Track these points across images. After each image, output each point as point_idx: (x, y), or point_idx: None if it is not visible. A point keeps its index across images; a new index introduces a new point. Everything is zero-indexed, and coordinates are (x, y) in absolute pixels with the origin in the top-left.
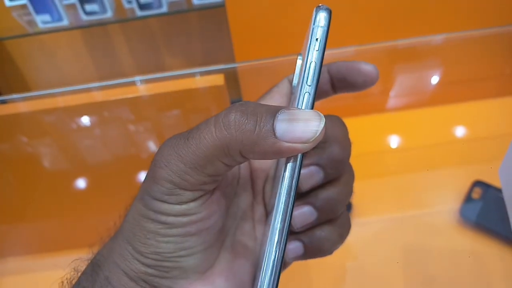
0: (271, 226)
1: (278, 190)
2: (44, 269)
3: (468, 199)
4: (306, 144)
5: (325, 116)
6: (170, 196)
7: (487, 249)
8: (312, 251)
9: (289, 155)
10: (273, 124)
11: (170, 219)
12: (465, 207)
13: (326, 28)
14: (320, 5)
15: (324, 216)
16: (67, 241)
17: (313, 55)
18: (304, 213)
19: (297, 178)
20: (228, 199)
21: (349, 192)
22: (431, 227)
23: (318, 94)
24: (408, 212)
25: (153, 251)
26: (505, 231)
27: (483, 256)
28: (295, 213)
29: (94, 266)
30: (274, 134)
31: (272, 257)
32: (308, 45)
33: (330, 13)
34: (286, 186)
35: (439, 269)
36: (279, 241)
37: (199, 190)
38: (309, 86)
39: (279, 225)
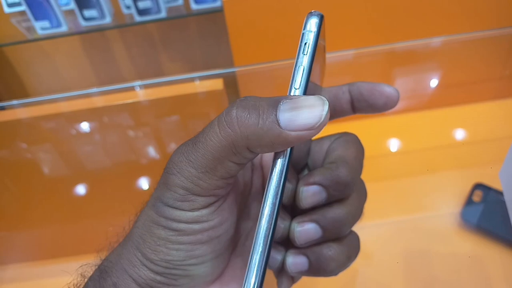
0: (257, 226)
1: (266, 188)
2: (44, 276)
3: (469, 202)
4: (312, 130)
5: (342, 133)
6: (183, 203)
7: (488, 252)
8: (317, 269)
9: (298, 143)
10: (276, 115)
11: (182, 225)
12: (466, 210)
13: (316, 33)
14: (312, 11)
15: (330, 235)
16: (66, 247)
17: (302, 59)
18: (309, 230)
19: (285, 176)
20: (240, 207)
21: (358, 213)
22: (432, 230)
23: (338, 112)
24: (409, 215)
25: (163, 258)
26: (507, 233)
27: (485, 259)
28: (299, 229)
29: (101, 272)
30: (279, 125)
31: (258, 257)
32: (298, 49)
33: (321, 19)
34: (274, 185)
35: (440, 272)
36: (264, 243)
37: (212, 196)
38: (297, 89)
39: (265, 225)
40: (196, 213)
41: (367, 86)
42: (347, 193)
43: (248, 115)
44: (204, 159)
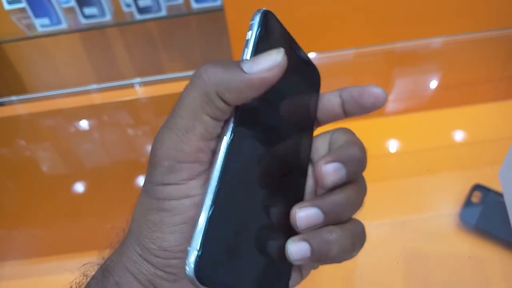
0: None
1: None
2: (43, 274)
3: (468, 203)
4: (274, 70)
5: (338, 128)
6: (171, 175)
7: (487, 253)
8: (320, 255)
9: (263, 87)
10: (239, 65)
11: (173, 203)
12: (465, 211)
13: (256, 28)
14: (260, 8)
15: (331, 220)
16: (66, 244)
17: (245, 53)
18: (310, 214)
19: (227, 152)
20: None
21: (358, 201)
22: (431, 231)
23: (330, 117)
24: (408, 216)
25: (160, 246)
26: (505, 234)
27: (483, 260)
28: (301, 213)
29: (104, 271)
30: (242, 70)
31: (202, 226)
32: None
33: (265, 15)
34: (221, 156)
35: (439, 273)
36: (208, 207)
37: (197, 162)
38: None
39: (211, 195)
40: (184, 186)
41: (357, 88)
42: (359, 172)
43: (215, 67)
44: (181, 118)
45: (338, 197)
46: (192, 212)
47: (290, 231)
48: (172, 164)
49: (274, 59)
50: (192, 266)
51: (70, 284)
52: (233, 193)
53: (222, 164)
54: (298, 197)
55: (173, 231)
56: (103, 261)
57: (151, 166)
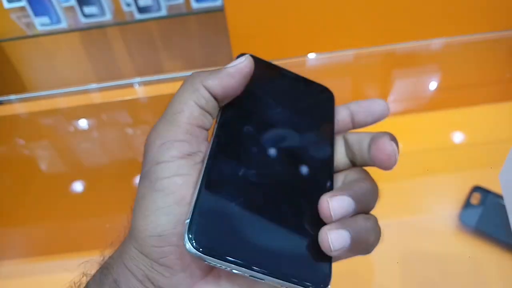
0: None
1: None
2: (40, 273)
3: (467, 204)
4: (243, 63)
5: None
6: (162, 153)
7: (486, 254)
8: (359, 242)
9: (242, 75)
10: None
11: (165, 182)
12: (464, 212)
13: None
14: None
15: (362, 208)
16: (63, 244)
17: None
18: (343, 200)
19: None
20: None
21: (376, 191)
22: (430, 233)
23: (340, 126)
24: (407, 217)
25: (154, 231)
26: (505, 236)
27: (483, 262)
28: (334, 203)
29: (103, 270)
30: (224, 68)
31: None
32: None
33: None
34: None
35: (438, 275)
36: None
37: (185, 142)
38: None
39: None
40: (175, 164)
41: (362, 102)
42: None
43: (203, 72)
44: (172, 106)
45: (364, 185)
46: (184, 191)
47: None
48: (163, 142)
49: (243, 58)
50: (188, 237)
51: (69, 284)
52: (225, 167)
53: (214, 138)
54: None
55: (166, 212)
56: (103, 260)
57: (146, 152)
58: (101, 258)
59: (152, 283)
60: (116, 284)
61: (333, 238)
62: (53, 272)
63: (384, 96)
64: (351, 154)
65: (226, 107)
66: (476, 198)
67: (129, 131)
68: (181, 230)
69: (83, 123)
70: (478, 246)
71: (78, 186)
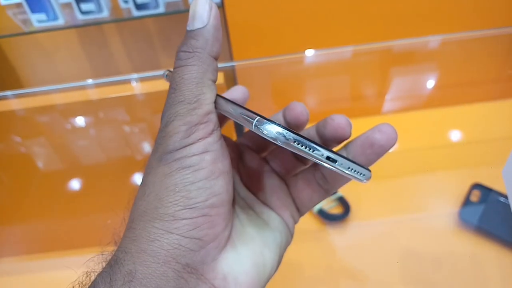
0: None
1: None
2: (40, 270)
3: (467, 202)
4: (213, 9)
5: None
6: (189, 138)
7: (486, 252)
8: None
9: (215, 32)
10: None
11: (195, 158)
12: (464, 210)
13: None
14: None
15: None
16: (61, 241)
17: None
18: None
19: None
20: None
21: None
22: (430, 230)
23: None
24: (407, 215)
25: (186, 204)
26: (505, 233)
27: (483, 259)
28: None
29: (112, 265)
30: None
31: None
32: None
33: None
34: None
35: (438, 273)
36: None
37: (209, 122)
38: None
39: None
40: (202, 142)
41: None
42: None
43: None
44: (189, 90)
45: None
46: (214, 166)
47: None
48: (188, 128)
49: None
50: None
51: (72, 284)
52: None
53: None
54: None
55: (198, 187)
56: (111, 255)
57: (163, 140)
58: (106, 254)
59: (178, 261)
60: (131, 275)
61: (384, 128)
62: (52, 269)
63: (382, 94)
64: None
65: None
66: (475, 196)
67: (127, 127)
68: (213, 202)
69: (80, 119)
70: (478, 243)
71: (76, 183)
